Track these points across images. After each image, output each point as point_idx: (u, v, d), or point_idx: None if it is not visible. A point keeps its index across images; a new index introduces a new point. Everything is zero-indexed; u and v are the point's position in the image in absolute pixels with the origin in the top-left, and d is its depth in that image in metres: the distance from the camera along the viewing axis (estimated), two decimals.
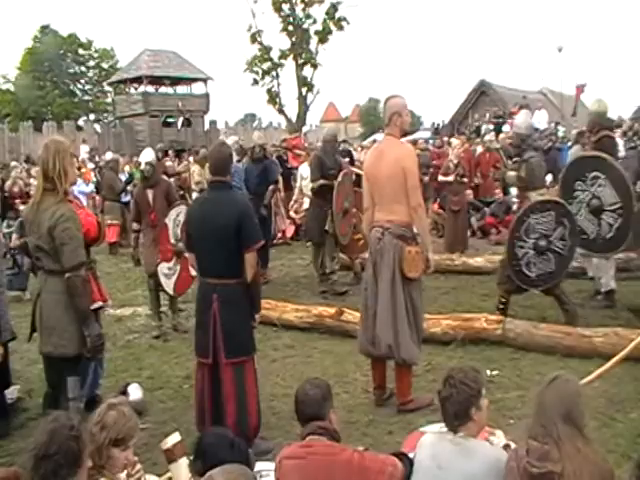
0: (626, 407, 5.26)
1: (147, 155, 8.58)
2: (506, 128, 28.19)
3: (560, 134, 21.88)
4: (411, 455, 3.34)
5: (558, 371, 3.28)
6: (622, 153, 16.15)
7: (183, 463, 3.39)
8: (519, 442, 3.07)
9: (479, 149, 15.44)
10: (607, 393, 5.44)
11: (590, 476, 2.70)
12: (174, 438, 3.55)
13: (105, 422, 3.10)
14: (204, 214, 4.85)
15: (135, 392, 5.80)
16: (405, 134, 5.99)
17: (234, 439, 3.43)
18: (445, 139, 18.56)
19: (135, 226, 8.39)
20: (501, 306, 7.48)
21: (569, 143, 18.56)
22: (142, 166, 8.80)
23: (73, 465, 2.61)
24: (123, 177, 16.28)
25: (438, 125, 31.20)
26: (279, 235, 14.06)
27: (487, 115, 27.78)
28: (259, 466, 3.77)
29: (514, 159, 7.92)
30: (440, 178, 12.91)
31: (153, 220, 8.08)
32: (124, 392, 5.70)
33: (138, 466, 3.33)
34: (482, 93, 35.35)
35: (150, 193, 8.18)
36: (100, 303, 5.07)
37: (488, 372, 5.99)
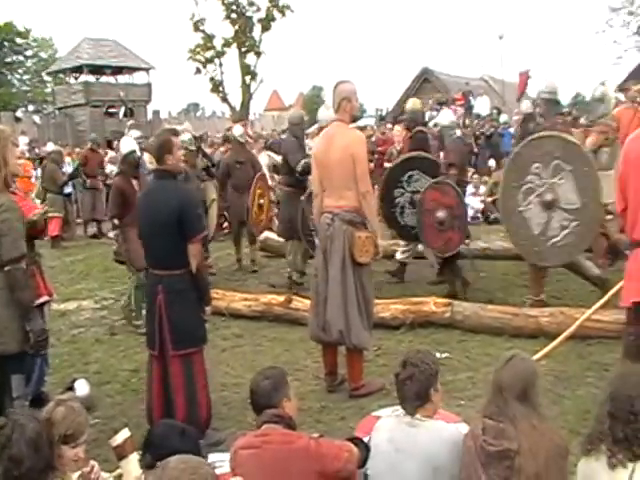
0: (573, 384, 5.36)
1: (130, 144, 8.28)
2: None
3: (502, 120, 22.16)
4: (366, 439, 3.32)
5: (506, 351, 3.32)
6: None
7: (133, 459, 3.32)
8: (472, 422, 3.09)
9: None
10: (554, 371, 5.53)
11: (546, 452, 2.73)
12: (123, 434, 3.47)
13: (54, 418, 3.01)
14: (147, 204, 4.78)
15: (82, 387, 5.67)
16: (354, 120, 5.97)
17: (184, 428, 3.37)
18: (389, 126, 18.63)
19: (116, 221, 7.86)
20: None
21: (511, 129, 18.85)
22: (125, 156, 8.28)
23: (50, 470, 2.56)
24: (66, 169, 15.92)
25: (382, 112, 31.29)
26: (225, 224, 13.95)
27: (430, 102, 27.98)
28: (212, 457, 3.71)
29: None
30: (385, 165, 12.96)
31: None
32: (71, 388, 5.57)
33: (96, 467, 3.24)
34: (425, 80, 35.75)
35: (136, 183, 7.88)
36: (46, 297, 4.92)
37: (438, 354, 6.00)
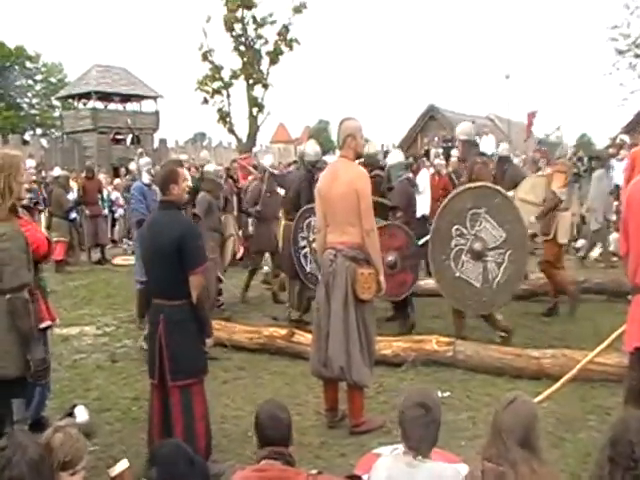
0: (574, 427, 5.33)
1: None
2: (454, 152, 28.69)
3: None
4: (365, 477, 3.32)
5: (508, 392, 3.31)
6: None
7: None
8: (472, 463, 3.08)
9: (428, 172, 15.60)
10: (555, 413, 5.51)
11: None
12: (122, 465, 3.47)
13: (52, 445, 3.01)
14: (150, 235, 4.81)
15: (82, 414, 5.66)
16: (359, 157, 6.01)
17: (193, 457, 3.35)
18: None
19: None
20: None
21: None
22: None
23: None
24: (72, 195, 16.00)
25: (387, 148, 31.44)
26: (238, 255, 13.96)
27: (436, 139, 28.15)
28: None
29: None
30: None
31: None
32: (71, 414, 5.56)
33: None
34: (431, 117, 35.92)
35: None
36: (49, 322, 4.94)
37: (439, 393, 6.01)
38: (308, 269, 8.57)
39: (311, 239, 8.30)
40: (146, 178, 9.33)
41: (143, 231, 5.12)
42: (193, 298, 4.61)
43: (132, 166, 18.68)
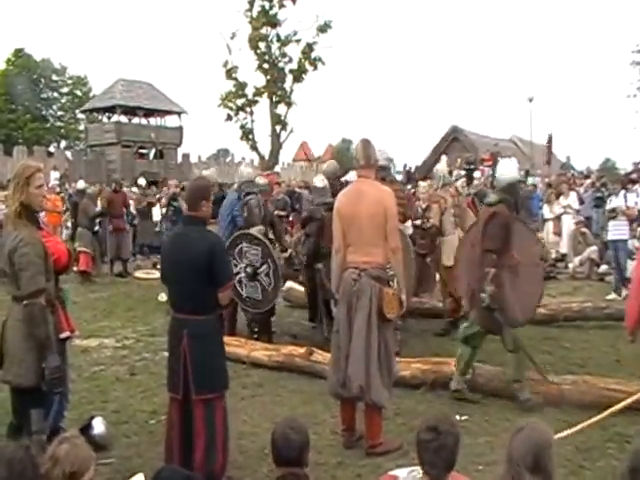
0: (593, 455, 5.27)
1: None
2: (477, 174, 28.63)
3: (530, 182, 22.21)
4: None
5: (526, 418, 3.28)
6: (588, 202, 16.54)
7: None
8: None
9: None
10: (575, 441, 5.43)
11: None
12: (138, 478, 3.48)
13: (58, 456, 2.99)
14: (175, 249, 4.82)
15: (99, 426, 5.68)
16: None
17: (189, 474, 3.37)
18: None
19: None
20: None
21: (539, 192, 18.90)
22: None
23: None
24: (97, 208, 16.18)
25: (410, 169, 31.44)
26: None
27: (459, 161, 28.13)
28: None
29: None
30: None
31: None
32: (88, 425, 5.58)
33: None
34: (454, 139, 35.92)
35: None
36: (67, 333, 4.96)
37: (457, 417, 5.97)
38: (244, 294, 8.53)
39: (245, 267, 8.38)
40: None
41: (165, 245, 5.15)
42: (223, 314, 4.63)
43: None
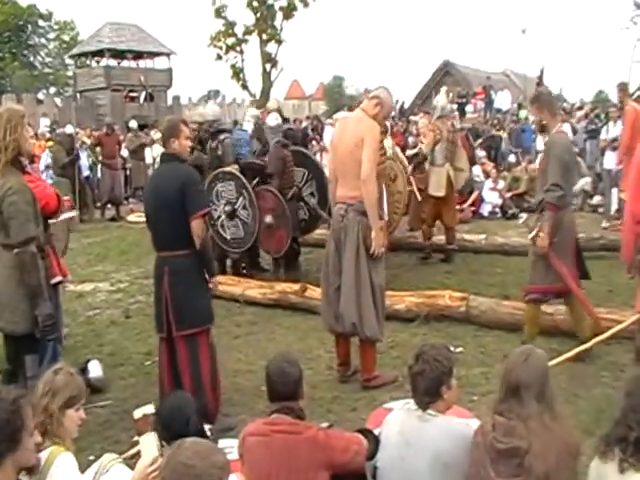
0: (588, 383, 5.31)
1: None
2: (469, 108, 28.40)
3: (522, 115, 22.04)
4: (376, 431, 3.30)
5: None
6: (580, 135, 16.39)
7: (150, 438, 3.27)
8: (484, 418, 3.06)
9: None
10: (569, 370, 5.44)
11: (557, 452, 2.69)
12: (147, 409, 3.48)
13: (56, 387, 3.03)
14: (150, 188, 4.92)
15: (95, 369, 5.72)
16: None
17: (190, 417, 3.38)
18: (412, 118, 18.51)
19: None
20: None
21: (532, 125, 18.70)
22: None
23: (12, 441, 2.52)
24: (84, 152, 15.94)
25: (403, 104, 31.13)
26: None
27: (450, 95, 27.85)
28: (222, 443, 3.72)
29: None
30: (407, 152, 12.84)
31: None
32: (84, 369, 5.60)
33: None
34: (446, 73, 35.55)
35: None
36: (59, 278, 4.93)
37: (452, 349, 5.99)
38: (229, 236, 8.64)
39: (223, 207, 8.51)
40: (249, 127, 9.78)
41: (146, 186, 5.15)
42: (196, 243, 4.62)
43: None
